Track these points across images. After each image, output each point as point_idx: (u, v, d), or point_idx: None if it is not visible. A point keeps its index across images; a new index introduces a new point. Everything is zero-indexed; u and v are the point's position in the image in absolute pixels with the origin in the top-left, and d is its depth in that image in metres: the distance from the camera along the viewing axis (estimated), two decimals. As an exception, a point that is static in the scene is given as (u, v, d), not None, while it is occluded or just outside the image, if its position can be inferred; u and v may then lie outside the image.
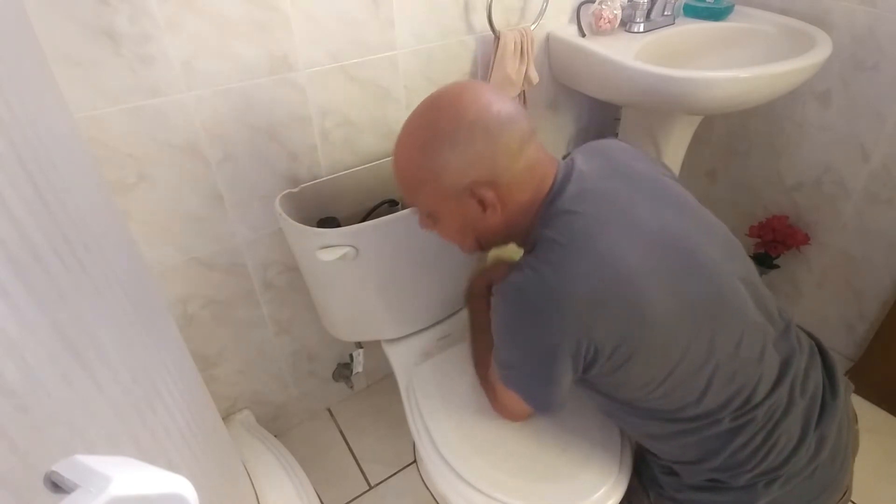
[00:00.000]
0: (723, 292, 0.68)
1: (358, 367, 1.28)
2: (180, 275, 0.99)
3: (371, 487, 1.26)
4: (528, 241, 0.72)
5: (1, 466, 0.24)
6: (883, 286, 1.31)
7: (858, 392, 1.36)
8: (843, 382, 0.77)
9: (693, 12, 1.24)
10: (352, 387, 1.40)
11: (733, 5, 1.23)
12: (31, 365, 0.27)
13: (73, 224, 0.37)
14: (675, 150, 1.26)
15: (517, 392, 0.74)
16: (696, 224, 0.70)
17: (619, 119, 1.34)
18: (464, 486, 0.82)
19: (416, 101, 0.70)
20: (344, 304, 1.02)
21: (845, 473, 0.77)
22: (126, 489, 0.23)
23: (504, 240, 0.77)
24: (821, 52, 1.03)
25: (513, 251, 0.82)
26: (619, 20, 1.14)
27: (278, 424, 1.34)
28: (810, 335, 0.81)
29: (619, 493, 0.80)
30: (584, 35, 1.15)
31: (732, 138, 1.48)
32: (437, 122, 0.66)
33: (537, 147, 0.70)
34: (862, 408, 1.32)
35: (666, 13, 1.19)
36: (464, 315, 1.05)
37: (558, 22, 1.17)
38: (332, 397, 1.42)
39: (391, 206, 1.02)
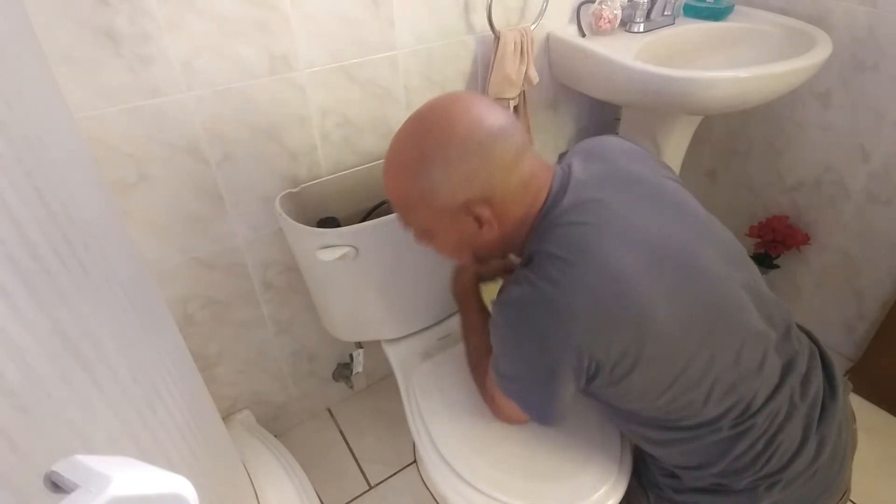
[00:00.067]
0: (723, 302, 0.67)
1: (358, 367, 1.28)
2: (180, 275, 0.99)
3: (371, 487, 1.26)
4: (524, 254, 0.70)
5: (1, 466, 0.24)
6: (883, 286, 1.31)
7: (858, 392, 1.36)
8: (842, 383, 0.76)
9: (693, 12, 1.24)
10: (352, 387, 1.40)
11: (733, 5, 1.23)
12: (31, 365, 0.27)
13: (73, 224, 0.37)
14: (675, 150, 1.26)
15: (517, 403, 0.73)
16: (696, 231, 0.69)
17: (619, 119, 1.34)
18: (464, 486, 0.82)
19: (417, 101, 0.70)
20: (344, 304, 1.02)
21: (844, 473, 0.77)
22: (126, 489, 0.23)
23: (501, 253, 0.75)
24: (821, 52, 1.03)
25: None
26: (619, 20, 1.14)
27: (278, 424, 1.34)
28: (809, 335, 0.80)
29: (619, 494, 0.80)
30: (584, 35, 1.15)
31: (732, 138, 1.48)
32: (426, 140, 0.63)
33: (532, 158, 0.67)
34: (862, 408, 1.33)
35: (666, 13, 1.19)
36: (464, 315, 1.05)
37: (558, 22, 1.17)
38: (332, 397, 1.42)
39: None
